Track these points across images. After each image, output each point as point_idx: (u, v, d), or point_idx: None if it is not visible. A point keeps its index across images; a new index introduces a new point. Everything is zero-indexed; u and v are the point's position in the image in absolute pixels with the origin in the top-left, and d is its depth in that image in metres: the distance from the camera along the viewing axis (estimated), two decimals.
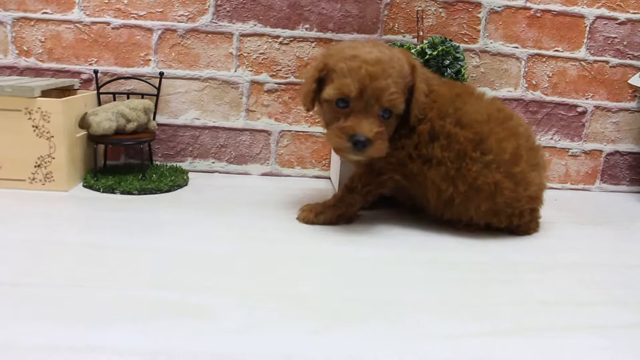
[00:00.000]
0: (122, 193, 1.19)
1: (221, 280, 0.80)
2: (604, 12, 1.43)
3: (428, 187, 1.04)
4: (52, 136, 1.14)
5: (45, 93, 1.19)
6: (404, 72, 0.97)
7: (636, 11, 1.43)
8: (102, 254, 0.86)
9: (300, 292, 0.78)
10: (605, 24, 1.43)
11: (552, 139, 1.48)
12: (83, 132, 1.22)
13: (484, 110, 1.03)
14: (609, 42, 1.45)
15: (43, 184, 1.16)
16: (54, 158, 1.15)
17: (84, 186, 1.22)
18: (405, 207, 1.18)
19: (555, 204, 1.33)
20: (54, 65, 1.34)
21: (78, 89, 1.34)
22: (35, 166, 1.15)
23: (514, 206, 1.04)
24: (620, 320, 0.77)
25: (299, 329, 0.68)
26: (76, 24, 1.32)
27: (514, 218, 1.06)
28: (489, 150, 1.00)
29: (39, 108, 1.12)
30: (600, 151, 1.51)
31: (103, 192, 1.19)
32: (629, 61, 1.46)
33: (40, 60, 1.34)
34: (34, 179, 1.16)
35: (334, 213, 1.07)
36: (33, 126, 1.13)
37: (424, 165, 1.02)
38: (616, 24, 1.44)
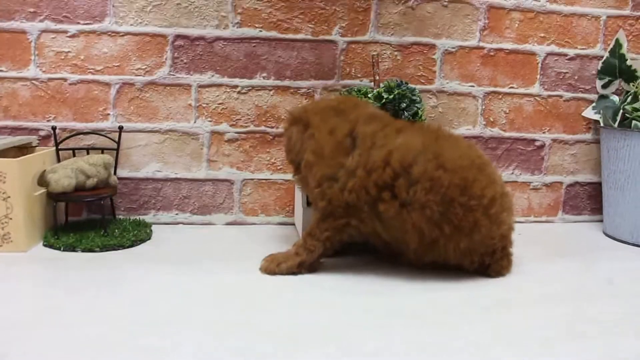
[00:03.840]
0: (84, 251, 1.17)
1: (177, 342, 0.79)
2: (554, 48, 1.47)
3: (407, 231, 1.03)
4: (9, 197, 1.13)
5: (2, 152, 1.18)
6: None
7: (584, 47, 1.48)
8: (54, 321, 0.84)
9: (256, 350, 0.77)
10: (556, 60, 1.48)
11: (512, 173, 1.51)
12: (42, 190, 1.21)
13: (466, 155, 1.06)
14: (561, 77, 1.49)
15: (0, 246, 1.14)
16: (11, 219, 1.14)
17: (45, 245, 1.20)
18: (381, 254, 1.16)
19: (520, 238, 1.34)
20: (10, 123, 1.33)
21: (37, 146, 1.33)
22: None
23: (488, 244, 1.06)
24: (581, 356, 0.78)
25: None
26: (32, 81, 1.32)
27: (486, 257, 1.07)
28: (474, 196, 1.02)
29: None
30: (561, 183, 1.54)
31: (64, 250, 1.17)
32: (581, 94, 1.50)
33: None
34: None
35: (295, 261, 1.07)
36: None
37: (402, 209, 1.02)
38: (566, 59, 1.48)
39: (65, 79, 1.33)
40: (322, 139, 1.06)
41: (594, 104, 1.50)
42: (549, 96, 1.49)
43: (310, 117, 1.10)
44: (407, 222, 1.02)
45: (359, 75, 1.40)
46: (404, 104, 1.23)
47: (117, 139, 1.32)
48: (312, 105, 1.15)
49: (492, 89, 1.47)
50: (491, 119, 1.48)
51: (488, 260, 1.08)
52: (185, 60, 1.35)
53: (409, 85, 1.28)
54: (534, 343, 0.81)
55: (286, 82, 1.38)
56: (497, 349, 0.80)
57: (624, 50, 1.43)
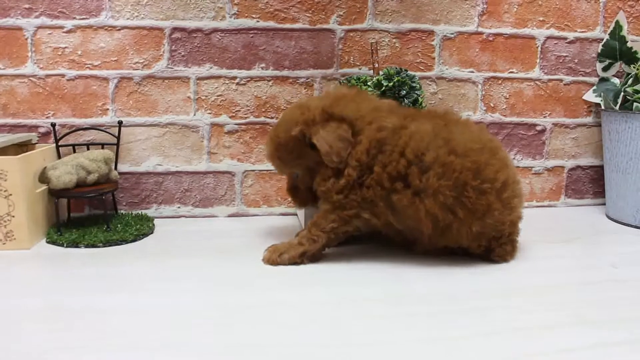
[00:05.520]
0: (87, 246, 1.17)
1: (184, 337, 0.79)
2: (554, 32, 1.46)
3: (421, 218, 1.02)
4: (10, 194, 1.12)
5: (2, 150, 1.18)
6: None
7: (583, 30, 1.47)
8: (63, 318, 0.84)
9: (261, 343, 0.77)
10: (555, 43, 1.47)
11: (514, 158, 1.50)
12: (43, 187, 1.21)
13: (477, 139, 1.05)
14: (561, 60, 1.48)
15: (4, 244, 1.14)
16: (13, 216, 1.13)
17: (47, 242, 1.20)
18: (395, 243, 1.15)
19: (524, 224, 1.34)
20: (9, 120, 1.32)
21: (36, 143, 1.32)
22: None
23: (498, 229, 1.06)
24: (588, 341, 0.77)
25: None
26: (30, 78, 1.31)
27: (493, 241, 1.07)
28: (486, 180, 1.02)
29: None
30: (562, 167, 1.53)
31: (67, 247, 1.17)
32: (581, 78, 1.50)
33: None
34: None
35: (297, 251, 1.06)
36: None
37: (415, 197, 1.02)
38: (566, 43, 1.47)
39: (63, 75, 1.32)
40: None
41: (594, 87, 1.49)
42: (549, 80, 1.49)
43: (355, 121, 1.05)
44: (420, 210, 1.02)
45: (357, 64, 1.40)
46: (404, 91, 1.23)
47: (116, 134, 1.32)
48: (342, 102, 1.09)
49: (491, 74, 1.46)
50: (491, 105, 1.47)
51: (494, 244, 1.08)
52: (183, 53, 1.34)
53: (409, 72, 1.27)
54: (535, 331, 0.81)
55: (285, 72, 1.38)
56: (503, 335, 0.80)
57: (624, 32, 1.42)
